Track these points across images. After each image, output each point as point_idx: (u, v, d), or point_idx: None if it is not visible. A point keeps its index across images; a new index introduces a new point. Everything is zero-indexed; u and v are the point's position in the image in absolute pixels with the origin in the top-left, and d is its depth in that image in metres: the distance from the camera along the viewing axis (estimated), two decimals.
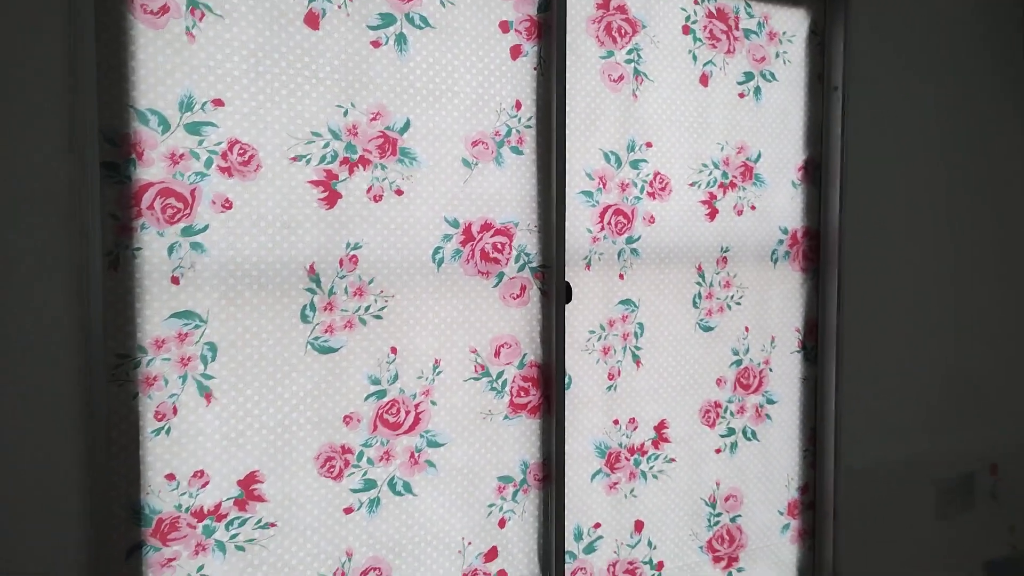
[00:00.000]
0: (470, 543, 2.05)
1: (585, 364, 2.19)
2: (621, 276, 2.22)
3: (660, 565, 2.35)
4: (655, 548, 2.33)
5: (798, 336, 2.55)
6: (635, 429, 2.28)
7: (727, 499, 2.45)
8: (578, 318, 2.16)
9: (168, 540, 1.71)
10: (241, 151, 1.72)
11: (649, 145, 2.24)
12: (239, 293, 1.74)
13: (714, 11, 2.33)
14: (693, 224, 2.33)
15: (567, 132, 2.08)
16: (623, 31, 2.19)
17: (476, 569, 2.06)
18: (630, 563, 2.30)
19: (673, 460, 2.35)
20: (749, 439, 2.48)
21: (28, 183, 1.50)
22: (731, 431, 2.44)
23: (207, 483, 1.74)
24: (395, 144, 1.89)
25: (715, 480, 2.43)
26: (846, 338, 2.53)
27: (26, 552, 1.53)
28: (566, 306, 2.11)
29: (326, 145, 1.81)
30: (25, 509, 1.53)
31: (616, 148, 2.19)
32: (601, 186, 2.17)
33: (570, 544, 2.19)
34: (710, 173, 2.34)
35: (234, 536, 1.78)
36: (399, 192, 1.90)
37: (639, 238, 2.24)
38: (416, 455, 1.97)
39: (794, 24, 2.49)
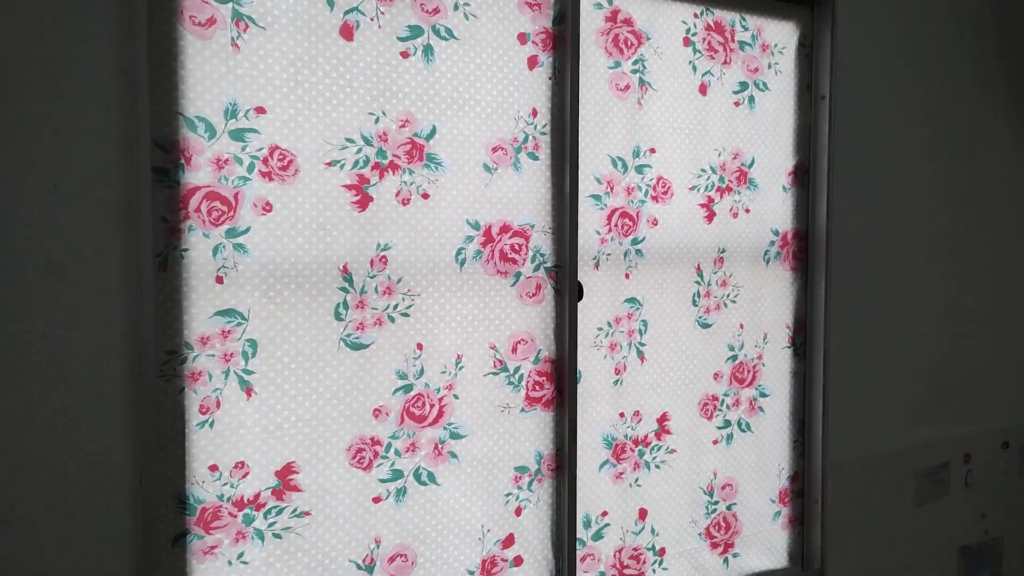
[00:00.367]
0: (489, 530, 2.15)
1: (594, 359, 2.30)
2: (627, 275, 2.34)
3: (662, 551, 2.46)
4: (657, 535, 2.45)
5: (788, 332, 2.68)
6: (639, 421, 2.39)
7: (723, 488, 2.58)
8: (588, 315, 2.27)
9: (211, 528, 1.79)
10: (281, 156, 1.81)
11: (653, 151, 2.36)
12: (278, 292, 1.83)
13: (712, 24, 2.46)
14: (693, 226, 2.45)
15: (579, 138, 2.19)
16: (629, 43, 2.30)
17: (495, 555, 2.16)
18: (635, 549, 2.41)
19: (674, 451, 2.47)
20: (744, 431, 2.61)
21: (85, 188, 1.57)
22: (727, 423, 2.57)
23: (247, 474, 1.82)
24: (422, 150, 1.99)
25: (712, 470, 2.55)
26: (833, 334, 2.66)
27: (78, 539, 1.60)
28: (578, 304, 2.22)
29: (359, 151, 1.90)
30: (78, 498, 1.60)
31: (623, 154, 2.30)
32: (609, 190, 2.28)
33: (580, 531, 2.29)
34: (708, 178, 2.47)
35: (272, 524, 1.86)
36: (425, 196, 2.00)
37: (643, 239, 2.36)
38: (439, 447, 2.06)
39: (785, 36, 2.62)
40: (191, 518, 1.77)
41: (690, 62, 2.42)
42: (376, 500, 1.98)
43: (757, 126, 2.57)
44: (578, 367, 2.25)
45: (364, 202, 1.92)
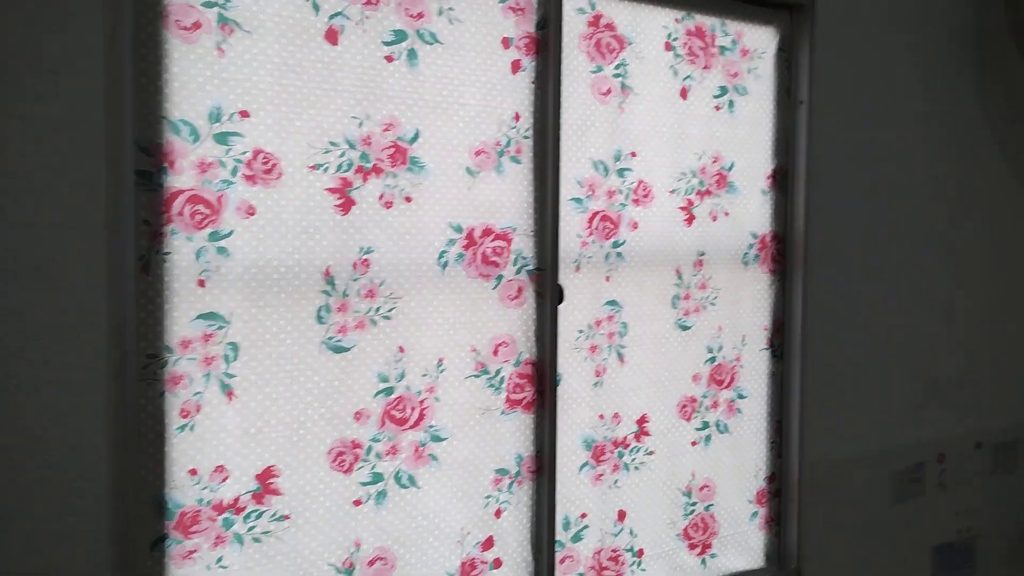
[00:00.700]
0: (469, 533, 2.16)
1: (574, 362, 2.31)
2: (607, 278, 2.35)
3: (640, 552, 2.48)
4: (636, 536, 2.47)
5: (766, 334, 2.71)
6: (619, 423, 2.41)
7: (701, 489, 2.60)
8: (569, 318, 2.28)
9: (190, 533, 1.79)
10: (265, 160, 1.80)
11: (634, 155, 2.37)
12: (260, 295, 1.82)
13: (693, 29, 2.48)
14: (673, 229, 2.47)
15: (561, 142, 2.20)
16: (611, 47, 2.31)
17: (474, 558, 2.17)
18: (613, 550, 2.43)
19: (653, 452, 2.49)
20: (722, 432, 2.63)
21: (68, 191, 1.56)
22: (705, 424, 2.60)
23: (227, 477, 1.82)
24: (405, 153, 1.99)
25: (691, 471, 2.58)
26: (810, 336, 2.69)
27: (56, 544, 1.59)
28: (559, 307, 2.23)
29: (342, 154, 1.90)
30: (56, 502, 1.58)
31: (604, 157, 2.32)
32: (590, 193, 2.30)
33: (559, 533, 2.31)
34: (688, 181, 2.49)
35: (251, 528, 1.86)
36: (408, 199, 2.00)
37: (624, 242, 2.37)
38: (420, 449, 2.07)
39: (764, 41, 2.64)
40: (170, 522, 1.76)
41: (671, 67, 2.43)
42: (356, 503, 1.99)
43: (737, 130, 2.59)
44: (559, 369, 2.26)
45: (347, 205, 1.92)
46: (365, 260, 1.95)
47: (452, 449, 2.12)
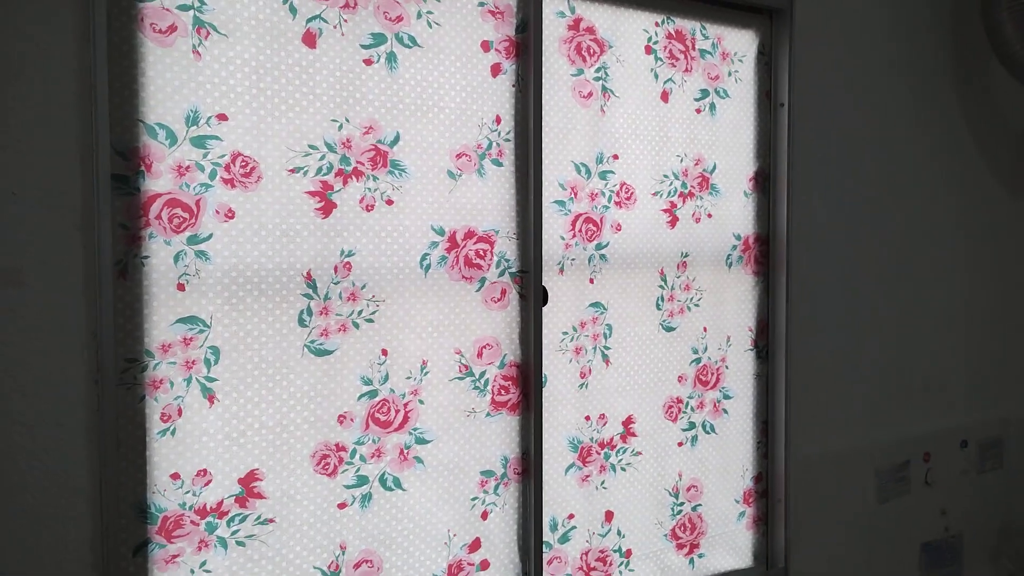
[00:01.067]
0: (455, 535, 2.16)
1: (559, 363, 2.31)
2: (591, 280, 2.36)
3: (628, 553, 2.48)
4: (624, 537, 2.47)
5: (751, 335, 2.72)
6: (605, 424, 2.41)
7: (688, 489, 2.60)
8: (553, 320, 2.29)
9: (173, 537, 1.78)
10: (243, 163, 1.81)
11: (616, 157, 2.38)
12: (241, 299, 1.82)
13: (673, 32, 2.49)
14: (656, 231, 2.48)
15: (542, 145, 2.21)
16: (592, 51, 2.33)
17: (461, 560, 2.17)
18: (601, 551, 2.43)
19: (639, 453, 2.49)
20: (708, 432, 2.64)
21: (44, 196, 1.56)
22: (692, 425, 2.60)
23: (210, 481, 1.81)
24: (386, 156, 1.99)
25: (678, 472, 2.58)
26: (794, 337, 2.70)
27: (37, 550, 1.59)
28: (543, 309, 2.23)
29: (322, 157, 1.90)
30: (37, 508, 1.58)
31: (586, 160, 2.33)
32: (573, 196, 2.31)
33: (546, 535, 2.31)
34: (671, 183, 2.50)
35: (235, 532, 1.85)
36: (389, 202, 2.00)
37: (607, 244, 2.38)
38: (405, 452, 2.07)
39: (744, 45, 2.66)
40: (152, 527, 1.76)
41: (652, 70, 2.45)
42: (341, 506, 1.98)
43: (718, 133, 2.60)
44: (544, 371, 2.27)
45: (328, 208, 1.92)
46: (347, 263, 1.95)
47: (437, 451, 2.12)
